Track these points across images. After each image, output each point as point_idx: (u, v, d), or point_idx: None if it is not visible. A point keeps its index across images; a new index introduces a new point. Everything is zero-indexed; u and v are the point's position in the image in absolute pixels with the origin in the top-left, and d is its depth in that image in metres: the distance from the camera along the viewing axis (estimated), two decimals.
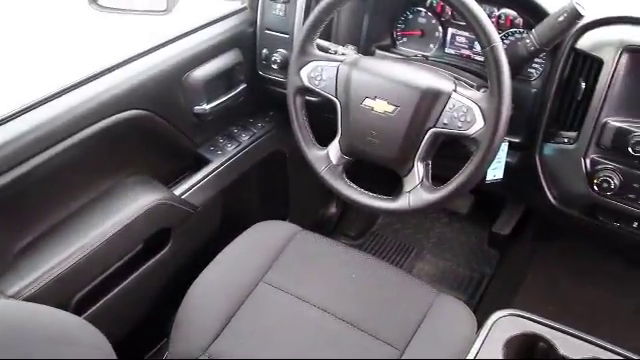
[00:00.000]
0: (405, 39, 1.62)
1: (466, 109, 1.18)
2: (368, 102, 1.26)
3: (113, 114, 1.32)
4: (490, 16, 1.47)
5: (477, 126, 1.17)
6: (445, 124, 1.20)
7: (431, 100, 1.21)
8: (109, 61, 1.36)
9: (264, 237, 1.52)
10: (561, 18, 1.19)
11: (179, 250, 1.55)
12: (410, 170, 1.26)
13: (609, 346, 1.12)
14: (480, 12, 1.14)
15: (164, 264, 1.51)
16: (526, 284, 1.92)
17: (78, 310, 1.30)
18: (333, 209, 2.29)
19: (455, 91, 1.21)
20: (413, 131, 1.23)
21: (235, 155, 1.66)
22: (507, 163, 1.40)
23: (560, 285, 1.93)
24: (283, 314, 1.34)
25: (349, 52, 1.40)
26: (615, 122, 1.25)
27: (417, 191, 1.25)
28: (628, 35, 1.23)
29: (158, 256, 1.49)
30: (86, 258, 1.28)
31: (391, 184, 1.43)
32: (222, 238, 1.51)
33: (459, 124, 1.19)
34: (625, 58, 1.22)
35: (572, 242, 2.02)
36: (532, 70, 1.44)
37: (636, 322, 1.84)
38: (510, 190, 1.57)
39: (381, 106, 1.25)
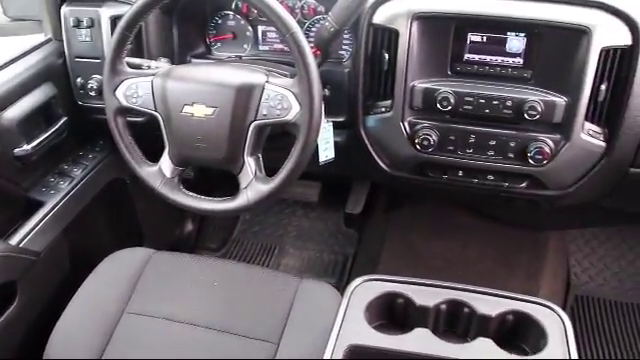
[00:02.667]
0: (219, 44, 1.64)
1: (281, 97, 1.22)
2: (187, 109, 1.26)
3: None
4: (294, 8, 1.53)
5: (294, 111, 1.21)
6: (265, 115, 1.24)
7: (246, 95, 1.24)
8: None
9: (118, 267, 1.47)
10: None
11: (30, 301, 1.46)
12: (242, 167, 1.28)
13: (460, 286, 1.21)
14: (274, 4, 1.18)
15: (16, 319, 1.42)
16: (386, 253, 2.02)
17: None
18: (190, 226, 2.27)
19: (268, 82, 1.25)
20: (236, 128, 1.25)
21: (70, 192, 1.59)
22: (337, 142, 1.47)
23: (415, 246, 2.05)
24: (154, 339, 1.32)
25: (162, 65, 1.40)
26: (421, 84, 1.36)
27: (253, 185, 1.28)
28: (414, 4, 1.33)
29: (7, 312, 1.40)
30: None
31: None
32: (76, 278, 1.45)
33: (277, 112, 1.22)
34: (415, 26, 1.33)
35: (420, 205, 2.16)
36: (343, 52, 1.53)
37: (483, 265, 2.00)
38: (346, 167, 1.64)
39: (200, 110, 1.25)
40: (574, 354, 1.09)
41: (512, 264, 2.01)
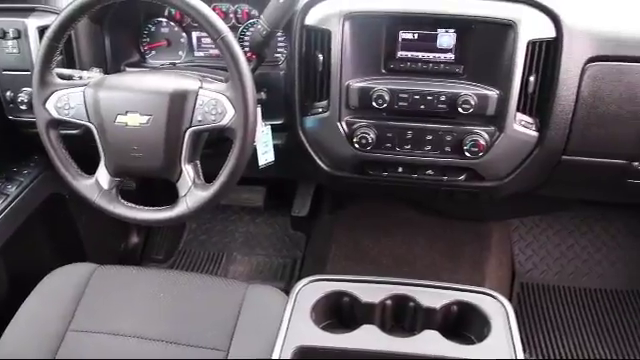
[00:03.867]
0: (154, 52, 1.62)
1: (215, 102, 1.21)
2: (121, 118, 1.24)
3: None
4: (227, 13, 1.53)
5: (229, 115, 1.20)
6: (200, 121, 1.23)
7: (180, 101, 1.22)
8: None
9: (60, 284, 1.43)
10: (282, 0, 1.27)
11: None
12: (180, 174, 1.27)
13: (404, 281, 1.23)
14: (204, 8, 1.17)
15: None
16: (333, 254, 2.03)
17: None
18: (135, 238, 2.23)
19: (202, 87, 1.23)
20: (172, 135, 1.24)
21: (4, 210, 1.54)
22: (276, 145, 1.47)
23: (362, 245, 2.06)
24: (100, 356, 1.28)
25: (94, 75, 1.37)
26: (356, 83, 1.37)
27: (192, 193, 1.26)
28: (345, 5, 1.34)
29: None
30: None
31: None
32: (16, 298, 1.40)
33: (212, 117, 1.22)
34: (347, 26, 1.34)
35: (366, 204, 2.18)
36: (279, 55, 1.53)
37: (429, 259, 2.03)
38: (288, 170, 1.65)
39: (134, 119, 1.23)
40: (517, 338, 1.12)
41: (458, 256, 2.04)
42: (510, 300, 2.01)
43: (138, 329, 1.32)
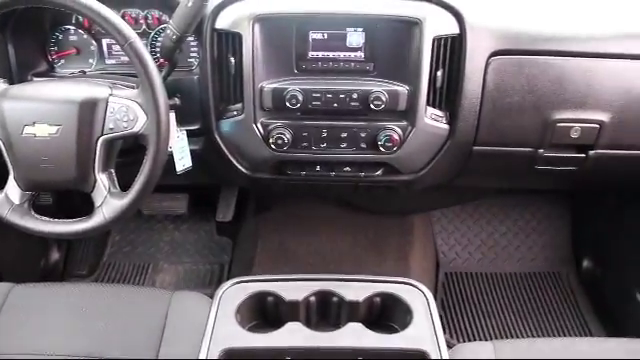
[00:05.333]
0: (62, 60, 1.57)
1: (126, 108, 1.20)
2: (29, 130, 1.20)
3: None
4: (137, 19, 1.51)
5: (141, 121, 1.19)
6: (112, 129, 1.21)
7: (91, 110, 1.20)
8: None
9: None
10: (190, 3, 1.27)
11: None
12: (95, 184, 1.24)
13: (327, 277, 1.25)
14: (110, 15, 1.16)
15: None
16: (259, 256, 2.04)
17: None
18: (55, 254, 2.16)
19: (112, 95, 1.22)
20: (83, 145, 1.21)
21: None
22: (194, 150, 1.46)
23: (288, 245, 2.08)
24: None
25: None
26: (269, 85, 1.38)
27: (108, 202, 1.24)
28: (254, 7, 1.36)
29: None
30: None
31: None
32: None
33: (124, 124, 1.20)
34: (258, 28, 1.35)
35: (289, 205, 2.19)
36: (192, 59, 1.52)
37: (355, 254, 2.06)
38: (208, 174, 1.64)
39: (43, 130, 1.20)
40: (438, 324, 1.16)
41: (382, 250, 2.09)
42: (436, 290, 2.10)
43: (60, 347, 1.27)
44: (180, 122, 1.39)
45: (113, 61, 1.57)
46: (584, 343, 1.41)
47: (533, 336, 1.98)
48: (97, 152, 1.22)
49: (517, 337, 1.96)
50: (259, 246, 2.07)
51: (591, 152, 1.50)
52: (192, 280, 2.13)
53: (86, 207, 1.36)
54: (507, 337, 1.97)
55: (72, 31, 1.55)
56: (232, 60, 1.37)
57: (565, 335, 1.99)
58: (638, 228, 1.89)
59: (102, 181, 1.24)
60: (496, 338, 1.96)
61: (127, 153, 1.35)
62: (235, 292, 1.21)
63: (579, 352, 1.23)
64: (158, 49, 1.50)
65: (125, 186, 1.28)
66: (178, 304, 1.37)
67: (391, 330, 1.19)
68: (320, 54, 1.40)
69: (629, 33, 1.44)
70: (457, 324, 2.03)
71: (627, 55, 1.41)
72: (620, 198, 2.03)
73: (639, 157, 1.52)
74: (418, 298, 1.21)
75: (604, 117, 1.44)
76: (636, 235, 1.90)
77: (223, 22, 1.37)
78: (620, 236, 2.02)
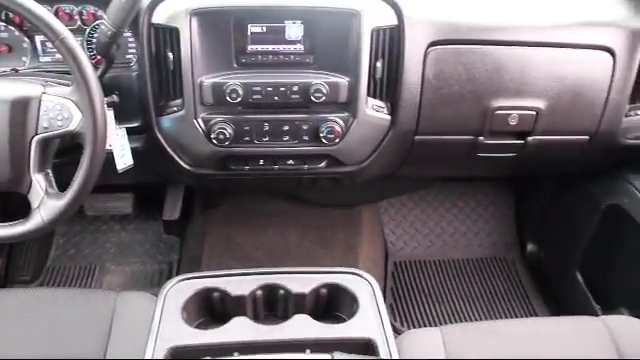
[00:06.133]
0: None
1: (61, 107, 1.17)
2: None
3: None
4: (72, 14, 1.46)
5: (76, 119, 1.17)
6: (46, 128, 1.18)
7: (23, 109, 1.17)
8: None
9: None
10: None
11: None
12: (30, 185, 1.21)
13: (273, 270, 1.25)
14: (39, 10, 1.12)
15: None
16: (207, 253, 2.02)
17: None
18: None
19: (45, 93, 1.19)
20: (17, 145, 1.18)
21: None
22: (135, 148, 1.43)
23: (236, 241, 2.07)
24: None
25: None
26: (209, 79, 1.37)
27: (45, 203, 1.21)
28: (191, 1, 1.34)
29: None
30: None
31: None
32: None
33: (59, 123, 1.17)
34: (195, 22, 1.33)
35: (237, 200, 2.18)
36: (130, 56, 1.48)
37: (303, 248, 2.07)
38: (151, 172, 1.62)
39: None
40: (384, 312, 1.17)
41: (331, 243, 2.10)
42: (385, 279, 2.12)
43: (3, 355, 1.24)
44: (120, 120, 1.37)
45: (48, 59, 1.52)
46: (527, 323, 1.46)
47: (482, 319, 2.03)
48: (32, 152, 1.19)
49: (466, 321, 2.00)
50: (207, 243, 2.05)
51: (529, 138, 1.54)
52: (140, 281, 2.09)
53: (24, 209, 1.33)
54: (456, 322, 2.02)
55: (2, 28, 1.50)
56: (170, 55, 1.35)
57: (512, 317, 2.04)
58: (575, 211, 1.96)
59: (38, 182, 1.21)
60: (446, 323, 2.00)
61: (65, 153, 1.32)
62: (180, 290, 1.20)
63: (522, 331, 1.27)
64: (95, 46, 1.47)
65: (66, 187, 1.25)
66: (124, 305, 1.35)
67: (339, 320, 1.20)
68: (259, 47, 1.39)
69: (560, 23, 1.49)
70: (407, 312, 2.06)
71: (559, 44, 1.46)
72: (558, 183, 2.09)
73: (573, 142, 1.58)
74: (364, 287, 1.22)
75: (540, 104, 1.48)
76: (573, 218, 1.96)
77: (160, 17, 1.35)
78: (559, 219, 2.09)
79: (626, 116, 1.55)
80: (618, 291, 1.78)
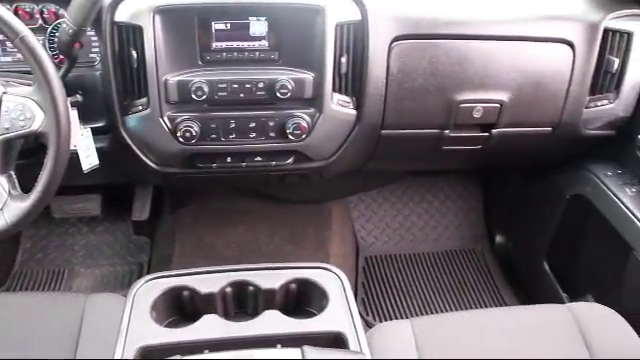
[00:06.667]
0: None
1: (22, 106, 1.15)
2: None
3: None
4: (32, 13, 1.44)
5: (39, 120, 1.15)
6: (7, 128, 1.16)
7: None
8: None
9: None
10: None
11: None
12: None
13: (241, 267, 1.25)
14: None
15: None
16: (177, 253, 2.01)
17: None
18: None
19: (5, 93, 1.17)
20: None
21: None
22: (101, 148, 1.42)
23: (206, 240, 2.06)
24: None
25: None
26: (173, 77, 1.36)
27: (9, 205, 1.19)
28: None
29: None
30: None
31: None
32: None
33: (21, 123, 1.15)
34: (159, 20, 1.33)
35: (206, 199, 2.18)
36: (94, 55, 1.46)
37: (274, 245, 2.07)
38: (117, 172, 1.60)
39: None
40: (353, 305, 1.18)
41: (301, 239, 2.10)
42: (356, 274, 2.13)
43: None
44: (84, 119, 1.35)
45: (9, 59, 1.49)
46: (496, 312, 1.48)
47: (452, 311, 2.05)
48: None
49: (436, 313, 2.03)
50: (177, 243, 2.04)
51: (494, 131, 1.57)
52: (110, 283, 2.07)
53: None
54: (428, 314, 2.04)
55: None
56: (134, 54, 1.34)
57: (482, 307, 2.07)
58: (541, 202, 1.99)
59: (1, 184, 1.19)
60: (417, 315, 2.02)
61: (29, 154, 1.30)
62: (149, 289, 1.20)
63: (491, 321, 1.29)
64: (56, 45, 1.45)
65: (30, 188, 1.23)
66: (93, 307, 1.33)
67: (309, 315, 1.21)
68: (224, 44, 1.38)
69: (522, 17, 1.51)
70: (379, 306, 2.07)
71: (521, 37, 1.49)
72: (524, 174, 2.13)
73: (537, 134, 1.60)
74: (333, 281, 1.23)
75: (504, 97, 1.51)
76: (539, 208, 2.00)
77: (122, 15, 1.34)
78: (526, 211, 2.12)
79: (586, 107, 1.58)
80: (584, 279, 1.82)
